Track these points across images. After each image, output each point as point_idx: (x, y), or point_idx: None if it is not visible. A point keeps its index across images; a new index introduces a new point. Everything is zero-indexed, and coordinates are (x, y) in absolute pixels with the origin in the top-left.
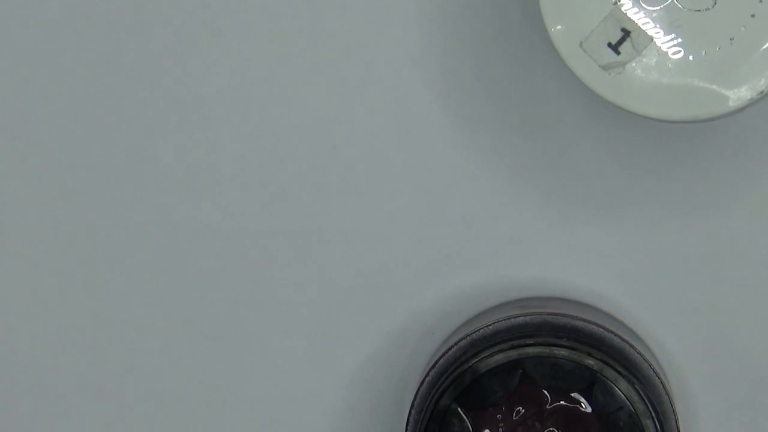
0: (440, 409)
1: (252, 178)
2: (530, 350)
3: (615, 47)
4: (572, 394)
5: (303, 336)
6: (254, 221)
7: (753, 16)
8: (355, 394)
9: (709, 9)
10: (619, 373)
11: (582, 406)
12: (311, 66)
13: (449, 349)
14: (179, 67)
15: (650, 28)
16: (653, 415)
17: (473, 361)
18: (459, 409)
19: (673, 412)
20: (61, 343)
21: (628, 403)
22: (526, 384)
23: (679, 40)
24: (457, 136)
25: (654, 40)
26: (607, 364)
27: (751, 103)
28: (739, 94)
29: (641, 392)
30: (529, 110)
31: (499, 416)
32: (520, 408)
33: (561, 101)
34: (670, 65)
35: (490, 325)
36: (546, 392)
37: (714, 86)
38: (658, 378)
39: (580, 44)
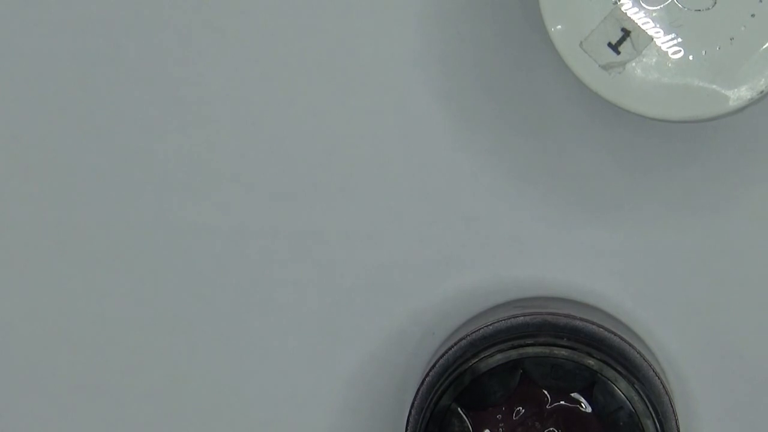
0: (440, 409)
1: (252, 178)
2: (530, 350)
3: (615, 47)
4: (572, 394)
5: (303, 336)
6: (254, 221)
7: (753, 16)
8: (355, 394)
9: (709, 9)
10: (619, 373)
11: (582, 406)
12: (311, 66)
13: (449, 349)
14: (179, 67)
15: (650, 28)
16: (653, 415)
17: (473, 361)
18: (459, 409)
19: (673, 412)
20: (61, 343)
21: (628, 403)
22: (526, 384)
23: (679, 40)
24: (457, 136)
25: (654, 40)
26: (607, 364)
27: (751, 103)
28: (739, 94)
29: (641, 392)
30: (529, 110)
31: (499, 416)
32: (520, 408)
33: (561, 101)
34: (670, 65)
35: (490, 325)
36: (546, 392)
37: (714, 86)
38: (658, 378)
39: (580, 44)
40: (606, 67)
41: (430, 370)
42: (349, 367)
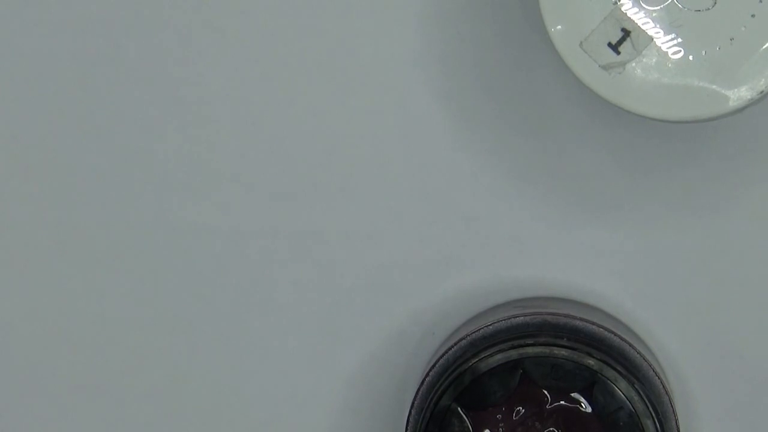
0: (440, 409)
1: (252, 178)
2: (530, 350)
3: (615, 47)
4: (572, 394)
5: (303, 336)
6: (254, 221)
7: (753, 16)
8: (355, 394)
9: (709, 9)
10: (619, 373)
11: (582, 406)
12: (311, 66)
13: (449, 349)
14: (179, 67)
15: (650, 28)
16: (653, 415)
17: (473, 361)
18: (459, 409)
19: (673, 412)
20: (61, 343)
21: (628, 403)
22: (526, 384)
23: (679, 40)
24: (457, 136)
25: (654, 40)
26: (607, 364)
27: (751, 103)
28: (739, 94)
29: (641, 392)
30: (529, 110)
31: (499, 416)
32: (520, 408)
33: (561, 101)
34: (670, 65)
35: (490, 325)
36: (546, 392)
37: (714, 86)
38: (658, 378)
39: (580, 44)
40: (606, 67)
41: (430, 370)
42: (349, 367)
